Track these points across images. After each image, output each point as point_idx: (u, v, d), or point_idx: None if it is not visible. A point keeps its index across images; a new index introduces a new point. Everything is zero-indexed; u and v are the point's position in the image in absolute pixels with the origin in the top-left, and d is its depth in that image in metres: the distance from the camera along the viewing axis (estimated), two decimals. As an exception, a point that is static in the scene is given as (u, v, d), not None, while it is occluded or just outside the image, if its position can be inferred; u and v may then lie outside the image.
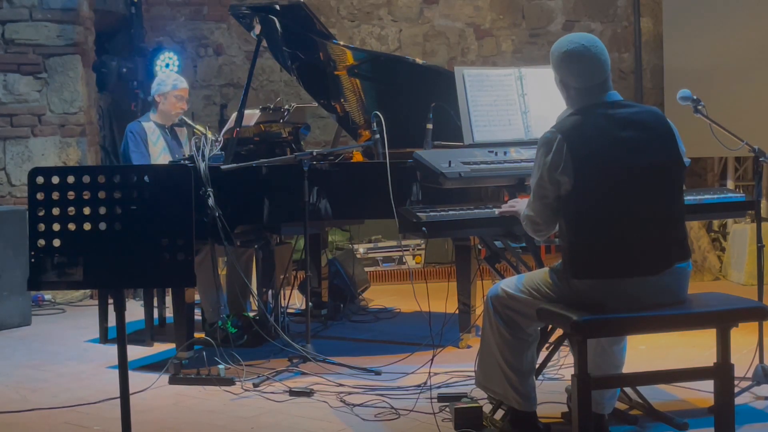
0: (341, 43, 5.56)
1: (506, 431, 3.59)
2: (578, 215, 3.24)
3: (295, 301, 6.03)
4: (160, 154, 5.74)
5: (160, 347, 5.30)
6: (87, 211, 2.86)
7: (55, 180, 2.87)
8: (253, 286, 5.57)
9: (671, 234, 3.27)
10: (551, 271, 3.41)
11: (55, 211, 2.86)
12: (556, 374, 4.43)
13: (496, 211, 3.96)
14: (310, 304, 5.07)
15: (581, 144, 3.20)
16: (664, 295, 3.24)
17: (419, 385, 4.28)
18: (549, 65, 3.50)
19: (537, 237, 3.54)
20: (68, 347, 5.48)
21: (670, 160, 3.29)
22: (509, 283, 3.53)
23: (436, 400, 4.02)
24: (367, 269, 6.98)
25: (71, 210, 2.87)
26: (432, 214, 3.99)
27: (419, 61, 5.50)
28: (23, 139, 6.98)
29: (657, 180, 3.25)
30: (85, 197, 2.86)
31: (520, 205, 3.73)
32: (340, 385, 4.41)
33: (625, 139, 3.22)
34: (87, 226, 2.86)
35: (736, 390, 3.66)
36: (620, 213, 3.21)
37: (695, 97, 4.19)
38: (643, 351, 4.82)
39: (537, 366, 3.67)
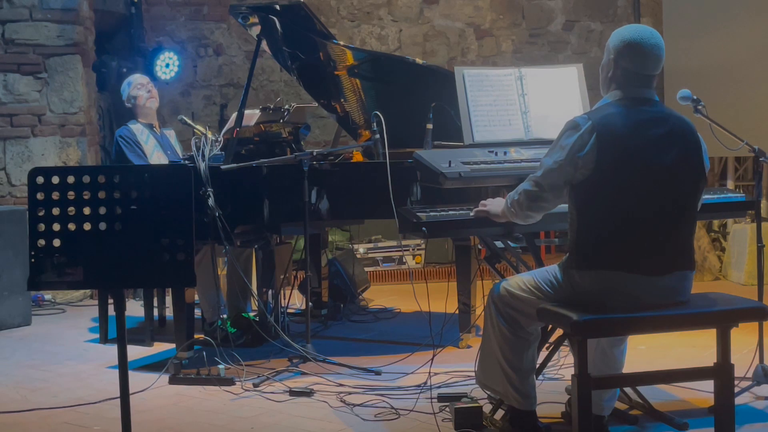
0: (341, 43, 5.56)
1: (506, 430, 3.59)
2: (591, 205, 3.24)
3: (295, 301, 6.03)
4: (152, 152, 5.76)
5: (160, 347, 5.30)
6: (87, 211, 2.86)
7: (55, 180, 2.86)
8: (253, 286, 5.57)
9: (679, 241, 3.27)
10: (555, 268, 3.40)
11: (55, 211, 2.86)
12: (556, 374, 4.43)
13: (471, 212, 3.91)
14: (310, 304, 5.07)
15: (610, 134, 3.19)
16: (665, 297, 3.24)
17: (419, 385, 4.28)
18: (549, 65, 3.50)
19: (525, 218, 3.46)
20: (68, 347, 5.48)
21: (693, 170, 3.28)
22: (511, 282, 3.53)
23: (436, 400, 4.02)
24: (367, 269, 6.98)
25: (71, 210, 2.87)
26: (432, 214, 3.99)
27: (419, 61, 5.50)
28: (23, 139, 6.98)
29: (675, 186, 3.24)
30: (85, 197, 2.86)
31: (492, 205, 3.71)
32: (340, 385, 4.41)
33: (653, 139, 3.21)
34: (87, 226, 2.86)
35: (736, 390, 3.66)
36: (633, 210, 3.20)
37: (695, 97, 4.19)
38: (643, 351, 4.82)
39: (537, 366, 3.67)
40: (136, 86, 5.91)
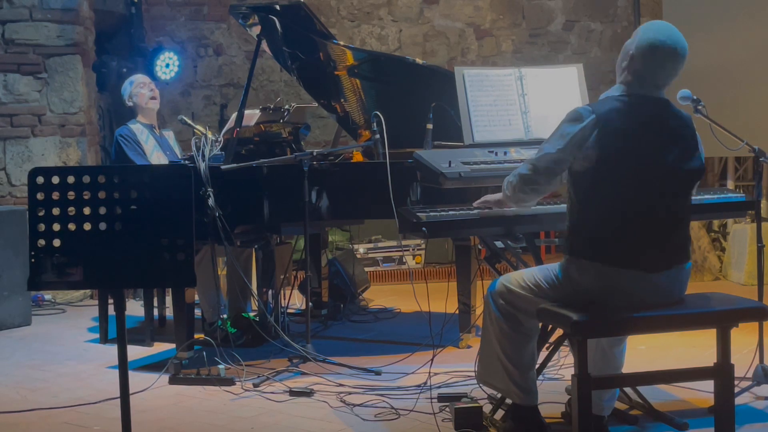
0: (341, 43, 5.56)
1: (509, 429, 3.58)
2: (591, 198, 3.25)
3: (295, 301, 6.03)
4: (152, 152, 5.75)
5: (160, 347, 5.30)
6: (87, 211, 2.86)
7: (55, 180, 2.86)
8: (253, 286, 5.57)
9: (676, 235, 3.28)
10: (556, 266, 3.40)
11: (55, 211, 2.86)
12: (556, 374, 4.43)
13: (474, 204, 3.95)
14: (310, 304, 5.07)
15: (612, 130, 3.19)
16: (662, 294, 3.25)
17: (419, 385, 4.28)
18: (549, 65, 3.50)
19: (519, 200, 3.51)
20: (68, 347, 5.48)
21: (692, 168, 3.29)
22: (510, 279, 3.54)
23: (436, 400, 4.02)
24: (367, 269, 6.98)
25: (71, 210, 2.87)
26: (432, 214, 3.99)
27: (419, 61, 5.50)
28: (23, 139, 6.98)
29: (676, 184, 3.26)
30: (85, 197, 2.86)
31: (493, 195, 3.78)
32: (340, 385, 4.41)
33: (655, 137, 3.22)
34: (87, 226, 2.85)
35: (736, 390, 3.66)
36: (633, 205, 3.21)
37: (695, 97, 4.19)
38: (643, 351, 4.82)
39: (537, 366, 3.67)
40: (139, 85, 5.89)
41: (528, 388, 3.52)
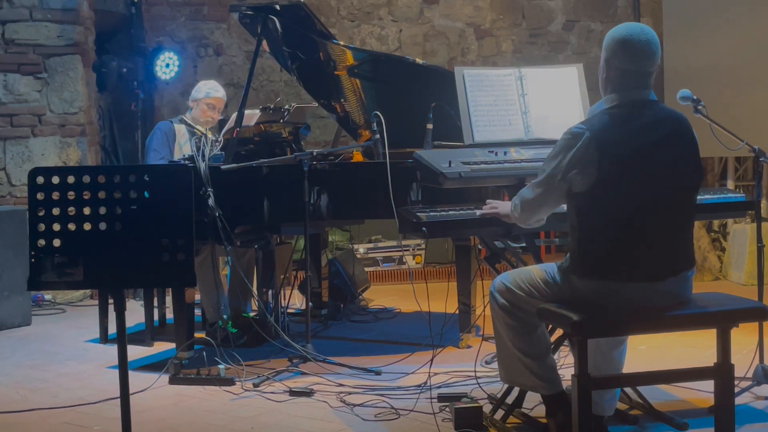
0: (341, 43, 5.56)
1: (552, 425, 3.51)
2: (592, 215, 3.23)
3: (295, 301, 6.03)
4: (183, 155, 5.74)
5: (160, 347, 5.30)
6: (87, 211, 2.86)
7: (55, 180, 2.87)
8: (254, 286, 5.56)
9: (680, 243, 3.27)
10: (554, 269, 3.40)
11: (55, 211, 2.86)
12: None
13: (477, 212, 3.93)
14: (310, 304, 5.07)
15: (609, 145, 3.16)
16: (667, 299, 3.24)
17: (419, 385, 4.28)
18: (549, 65, 3.50)
19: (527, 222, 3.50)
20: (68, 347, 5.48)
21: (692, 170, 3.28)
22: (508, 278, 3.54)
23: (436, 400, 4.02)
24: (367, 269, 6.98)
25: (71, 210, 2.87)
26: (432, 214, 3.99)
27: (419, 61, 5.50)
28: (23, 139, 6.98)
29: (676, 189, 3.25)
30: (85, 197, 2.86)
31: (502, 206, 3.74)
32: (340, 385, 4.41)
33: (652, 145, 3.19)
34: (87, 226, 2.86)
35: (736, 390, 3.66)
36: (636, 218, 3.20)
37: (695, 97, 4.18)
38: (643, 351, 4.82)
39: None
40: (211, 105, 5.79)
41: (547, 377, 3.51)
